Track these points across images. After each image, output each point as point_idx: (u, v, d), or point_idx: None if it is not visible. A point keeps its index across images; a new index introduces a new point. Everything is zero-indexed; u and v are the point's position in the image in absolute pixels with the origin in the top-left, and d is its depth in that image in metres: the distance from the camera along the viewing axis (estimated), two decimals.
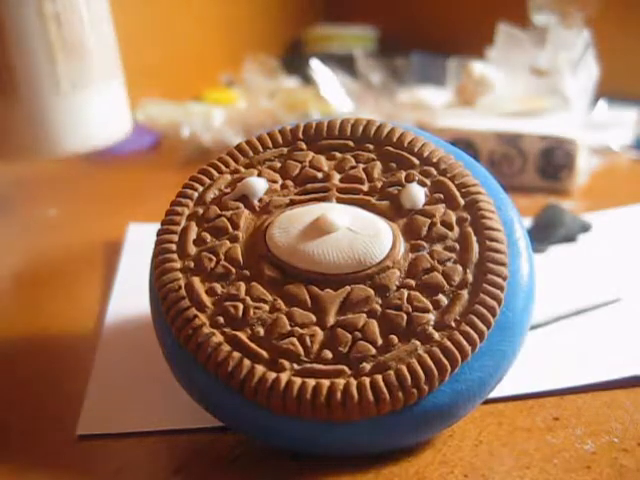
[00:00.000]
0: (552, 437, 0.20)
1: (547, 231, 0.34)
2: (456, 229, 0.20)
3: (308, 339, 0.18)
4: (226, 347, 0.18)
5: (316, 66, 0.54)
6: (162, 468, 0.19)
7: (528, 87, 0.49)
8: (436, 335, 0.18)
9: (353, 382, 0.17)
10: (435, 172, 0.21)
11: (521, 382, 0.22)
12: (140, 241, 0.34)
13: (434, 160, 0.21)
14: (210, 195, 0.21)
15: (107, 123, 0.38)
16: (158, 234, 0.20)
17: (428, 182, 0.20)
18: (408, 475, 0.19)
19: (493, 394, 0.20)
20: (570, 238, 0.34)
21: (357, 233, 0.19)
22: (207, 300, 0.19)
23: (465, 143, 0.43)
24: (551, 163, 0.43)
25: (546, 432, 0.20)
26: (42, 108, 0.36)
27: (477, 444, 0.20)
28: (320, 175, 0.21)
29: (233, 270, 0.19)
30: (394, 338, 0.18)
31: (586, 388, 0.22)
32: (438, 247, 0.19)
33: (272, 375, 0.18)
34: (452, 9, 0.80)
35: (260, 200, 0.21)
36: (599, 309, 0.27)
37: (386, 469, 0.19)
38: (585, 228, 0.35)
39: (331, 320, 0.18)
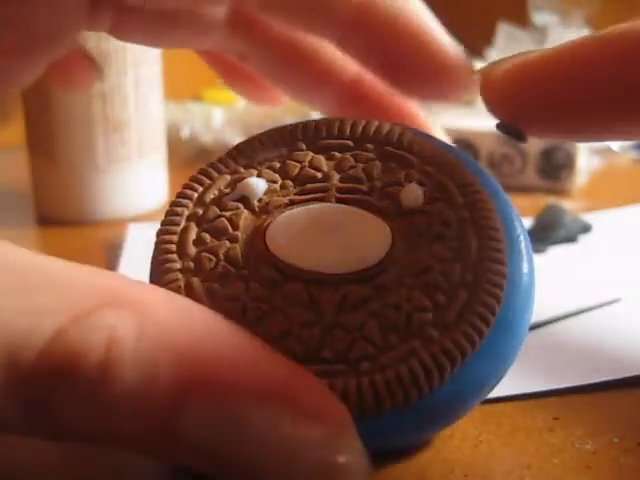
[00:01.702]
0: (552, 437, 0.20)
1: (547, 231, 0.34)
2: (455, 228, 0.20)
3: (307, 339, 0.18)
4: None
5: None
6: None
7: None
8: (435, 334, 0.18)
9: (353, 382, 0.17)
10: (434, 171, 0.21)
11: (521, 382, 0.22)
12: (141, 241, 0.34)
13: (433, 160, 0.21)
14: (209, 195, 0.21)
15: (140, 197, 0.40)
16: (158, 234, 0.20)
17: (427, 181, 0.20)
18: (408, 475, 0.19)
19: (493, 394, 0.20)
20: (570, 238, 0.34)
21: (356, 233, 0.19)
22: (206, 301, 0.19)
23: (465, 143, 0.43)
24: (551, 163, 0.43)
25: (546, 432, 0.20)
26: (77, 177, 0.38)
27: (477, 444, 0.20)
28: (319, 175, 0.21)
29: (232, 270, 0.19)
30: (393, 337, 0.18)
31: (586, 388, 0.22)
32: (437, 246, 0.19)
33: None
34: (452, 9, 0.80)
35: (260, 200, 0.21)
36: (599, 309, 0.27)
37: (386, 469, 0.19)
38: (585, 228, 0.35)
39: (330, 320, 0.18)
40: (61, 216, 0.38)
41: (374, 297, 0.18)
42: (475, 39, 0.55)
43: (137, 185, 0.39)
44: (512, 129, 0.19)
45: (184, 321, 0.15)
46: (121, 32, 0.23)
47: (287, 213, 0.20)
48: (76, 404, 0.14)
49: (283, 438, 0.14)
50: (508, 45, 0.52)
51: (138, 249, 0.33)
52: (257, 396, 0.14)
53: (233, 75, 0.28)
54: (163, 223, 0.20)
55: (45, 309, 0.14)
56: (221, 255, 0.19)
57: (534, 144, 0.43)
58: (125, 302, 0.15)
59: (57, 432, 0.15)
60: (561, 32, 0.51)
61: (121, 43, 0.36)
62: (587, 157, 0.45)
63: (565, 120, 0.17)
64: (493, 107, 0.18)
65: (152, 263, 0.20)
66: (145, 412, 0.14)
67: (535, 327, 0.25)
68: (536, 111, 0.18)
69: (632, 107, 0.16)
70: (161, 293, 0.16)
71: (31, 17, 0.21)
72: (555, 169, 0.43)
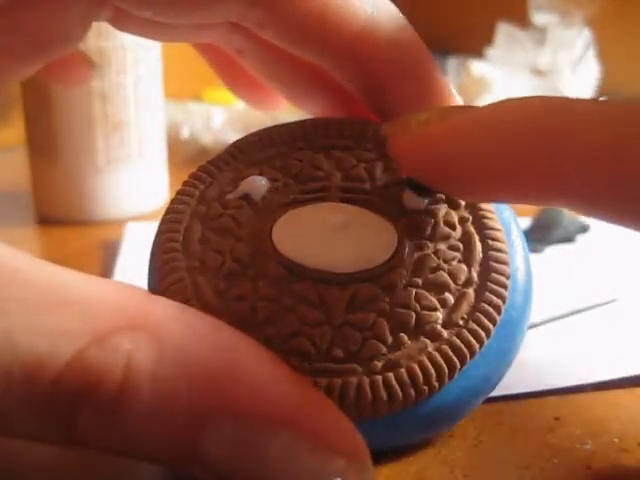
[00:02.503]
0: (552, 437, 0.20)
1: (545, 232, 0.34)
2: (459, 229, 0.20)
3: (318, 338, 0.18)
4: None
5: None
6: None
7: (528, 87, 0.49)
8: (445, 333, 0.18)
9: (365, 380, 0.17)
10: None
11: (521, 382, 0.22)
12: (138, 240, 0.34)
13: None
14: (212, 193, 0.21)
15: (140, 197, 0.40)
16: (160, 232, 0.20)
17: None
18: (408, 474, 0.19)
19: (493, 394, 0.20)
20: (568, 239, 0.34)
21: (362, 232, 0.19)
22: (214, 300, 0.18)
23: None
24: None
25: (546, 432, 0.20)
26: (77, 177, 0.38)
27: (477, 444, 0.20)
28: (321, 174, 0.21)
29: (239, 269, 0.19)
30: (404, 336, 0.18)
31: (586, 388, 0.22)
32: (442, 246, 0.19)
33: None
34: (451, 9, 0.80)
35: (263, 199, 0.20)
36: (597, 309, 0.27)
37: (386, 468, 0.19)
38: (583, 229, 0.35)
39: (340, 319, 0.18)
40: (61, 216, 0.38)
41: (383, 296, 0.18)
42: (475, 39, 0.55)
43: (137, 185, 0.39)
44: (419, 187, 0.20)
45: (202, 344, 0.15)
46: (122, 24, 0.23)
47: (292, 212, 0.20)
48: (96, 423, 0.14)
49: (301, 467, 0.14)
50: (508, 45, 0.52)
51: (136, 248, 0.33)
52: (275, 422, 0.14)
53: (232, 74, 0.28)
54: (165, 221, 0.20)
55: (63, 330, 0.14)
56: (227, 254, 0.19)
57: None
58: (143, 324, 0.15)
59: (76, 444, 0.15)
60: (561, 32, 0.51)
61: (121, 43, 0.36)
62: None
63: (462, 187, 0.18)
64: (400, 166, 0.20)
65: (154, 261, 0.20)
66: (163, 433, 0.14)
67: (533, 327, 0.26)
68: (438, 178, 0.19)
69: (512, 180, 0.17)
70: (178, 311, 0.16)
71: (40, 22, 0.21)
72: None
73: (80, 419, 0.14)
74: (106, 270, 0.32)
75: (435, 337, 0.18)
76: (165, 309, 0.15)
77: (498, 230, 0.20)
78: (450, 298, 0.19)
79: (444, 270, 0.19)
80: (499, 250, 0.19)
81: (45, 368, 0.14)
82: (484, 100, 0.48)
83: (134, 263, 0.31)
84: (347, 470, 0.14)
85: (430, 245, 0.19)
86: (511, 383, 0.21)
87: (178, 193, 0.21)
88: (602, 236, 0.35)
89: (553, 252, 0.33)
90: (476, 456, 0.19)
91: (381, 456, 0.19)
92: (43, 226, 0.39)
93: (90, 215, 0.38)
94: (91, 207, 0.38)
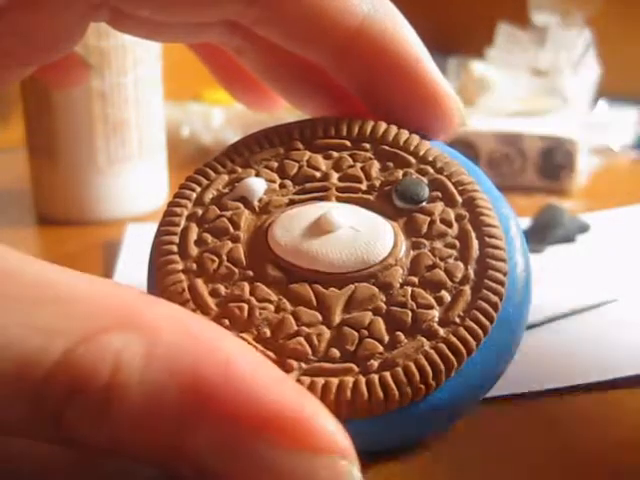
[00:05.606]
0: (552, 437, 0.20)
1: (545, 231, 0.34)
2: (455, 226, 0.20)
3: (315, 338, 0.18)
4: None
5: None
6: None
7: (528, 87, 0.49)
8: (441, 331, 0.18)
9: (362, 379, 0.17)
10: (432, 170, 0.21)
11: (521, 382, 0.22)
12: (139, 241, 0.34)
13: (430, 159, 0.21)
14: (208, 195, 0.21)
15: (141, 197, 0.40)
16: (157, 235, 0.20)
17: (425, 180, 0.20)
18: (408, 474, 0.19)
19: (493, 393, 0.20)
20: (568, 238, 0.34)
21: (359, 232, 0.19)
22: (211, 302, 0.19)
23: (465, 143, 0.43)
24: (551, 163, 0.43)
25: (546, 432, 0.20)
26: (77, 177, 0.38)
27: (477, 444, 0.20)
28: (318, 174, 0.21)
29: (236, 271, 0.19)
30: (400, 335, 0.18)
31: (586, 388, 0.22)
32: (438, 244, 0.19)
33: None
34: (451, 9, 0.80)
35: (260, 200, 0.20)
36: (597, 309, 0.27)
37: (385, 468, 0.19)
38: (584, 228, 0.35)
39: (337, 319, 0.18)
40: (61, 216, 0.38)
41: (379, 295, 0.19)
42: (475, 39, 0.55)
43: (137, 185, 0.39)
44: (406, 195, 0.20)
45: (193, 344, 0.15)
46: (120, 24, 0.23)
47: (288, 212, 0.20)
48: (85, 421, 0.14)
49: (287, 467, 0.14)
50: (508, 45, 0.52)
51: (136, 249, 0.33)
52: (262, 423, 0.14)
53: (228, 74, 0.28)
54: (162, 223, 0.20)
55: (54, 328, 0.14)
56: (224, 255, 0.19)
57: (534, 144, 0.43)
58: (134, 323, 0.15)
59: (67, 442, 0.15)
60: (561, 32, 0.51)
61: (121, 43, 0.36)
62: (587, 157, 0.45)
63: None
64: None
65: (151, 264, 0.20)
66: (151, 432, 0.14)
67: (533, 326, 0.26)
68: None
69: None
70: (170, 312, 0.16)
71: (39, 24, 0.22)
72: (555, 169, 0.43)
73: (68, 417, 0.14)
74: (106, 270, 0.32)
75: (432, 335, 0.18)
76: (157, 309, 0.15)
77: (496, 227, 0.20)
78: (446, 296, 0.19)
79: (440, 268, 0.19)
80: (496, 247, 0.19)
81: (36, 365, 0.14)
82: (484, 100, 0.48)
83: (134, 263, 0.31)
84: (333, 472, 0.14)
85: (426, 243, 0.19)
86: (511, 383, 0.21)
87: (175, 196, 0.21)
88: (602, 236, 0.35)
89: (553, 252, 0.33)
90: (476, 456, 0.19)
91: (380, 456, 0.19)
92: (43, 226, 0.39)
93: (90, 215, 0.38)
94: (91, 207, 0.38)
